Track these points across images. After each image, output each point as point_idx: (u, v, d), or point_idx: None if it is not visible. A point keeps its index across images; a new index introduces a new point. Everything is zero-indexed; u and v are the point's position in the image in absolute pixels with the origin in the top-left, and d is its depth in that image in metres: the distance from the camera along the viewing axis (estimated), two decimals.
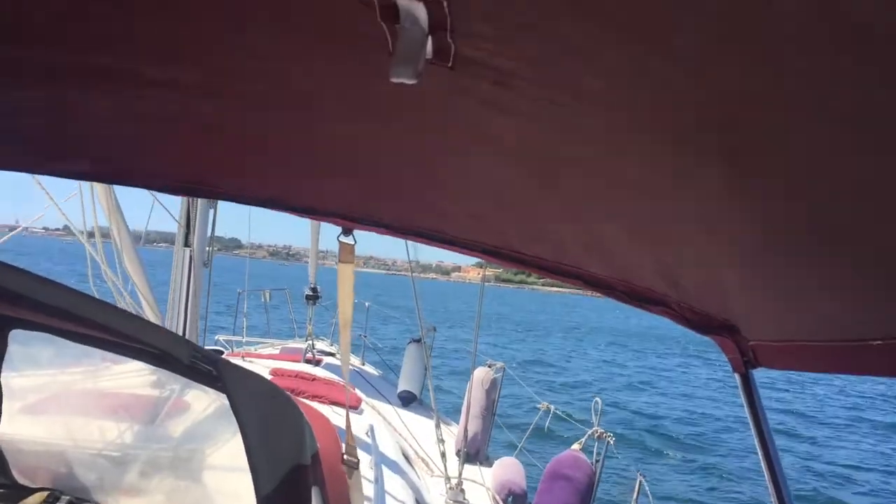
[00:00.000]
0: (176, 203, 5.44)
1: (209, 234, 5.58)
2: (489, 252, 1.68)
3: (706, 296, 1.43)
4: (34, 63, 1.04)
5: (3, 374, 2.11)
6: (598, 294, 1.63)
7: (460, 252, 1.74)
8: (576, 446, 4.99)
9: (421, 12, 0.77)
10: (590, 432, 4.94)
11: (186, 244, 5.37)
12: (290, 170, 1.42)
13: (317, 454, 1.21)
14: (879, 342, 0.99)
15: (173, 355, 1.00)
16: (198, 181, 1.67)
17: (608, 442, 4.80)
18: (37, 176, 4.07)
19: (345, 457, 2.28)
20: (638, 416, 18.07)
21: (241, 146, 1.30)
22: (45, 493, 2.21)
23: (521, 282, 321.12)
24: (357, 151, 1.15)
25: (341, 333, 2.66)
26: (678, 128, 0.83)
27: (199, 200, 5.35)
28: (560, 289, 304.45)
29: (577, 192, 1.19)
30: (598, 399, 5.18)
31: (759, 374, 1.51)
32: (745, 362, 1.49)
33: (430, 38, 0.82)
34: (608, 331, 58.06)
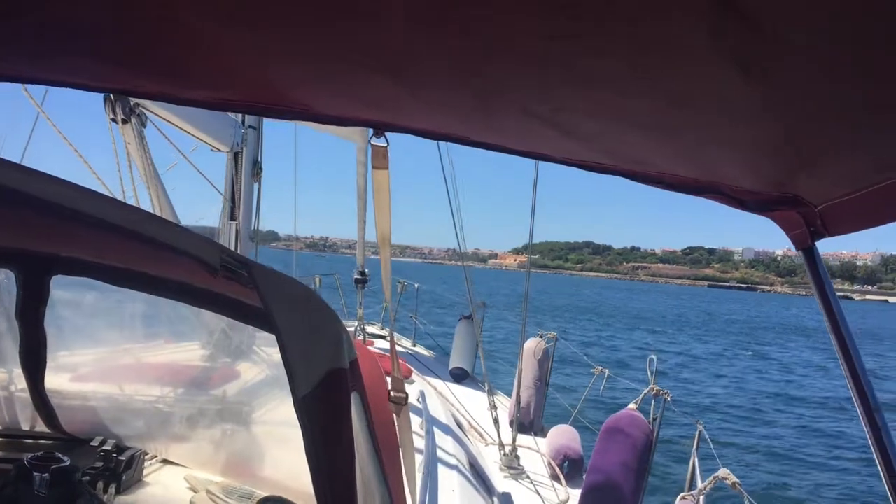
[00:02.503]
0: (220, 177, 5.45)
1: (255, 207, 5.59)
2: (524, 154, 1.62)
3: (758, 173, 1.37)
4: None
5: (47, 323, 2.13)
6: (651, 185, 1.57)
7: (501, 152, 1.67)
8: (632, 405, 4.90)
9: None
10: (646, 390, 4.85)
11: (232, 218, 5.37)
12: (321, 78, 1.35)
13: (356, 361, 1.19)
14: None
15: (204, 259, 0.96)
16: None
17: (665, 399, 4.71)
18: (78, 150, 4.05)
19: (391, 393, 2.23)
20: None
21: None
22: (93, 444, 2.23)
23: (557, 268, 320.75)
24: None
25: (381, 251, 2.56)
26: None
27: (243, 174, 5.36)
28: (598, 274, 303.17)
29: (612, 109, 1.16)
30: (652, 356, 5.09)
31: None
32: (812, 233, 1.44)
33: None
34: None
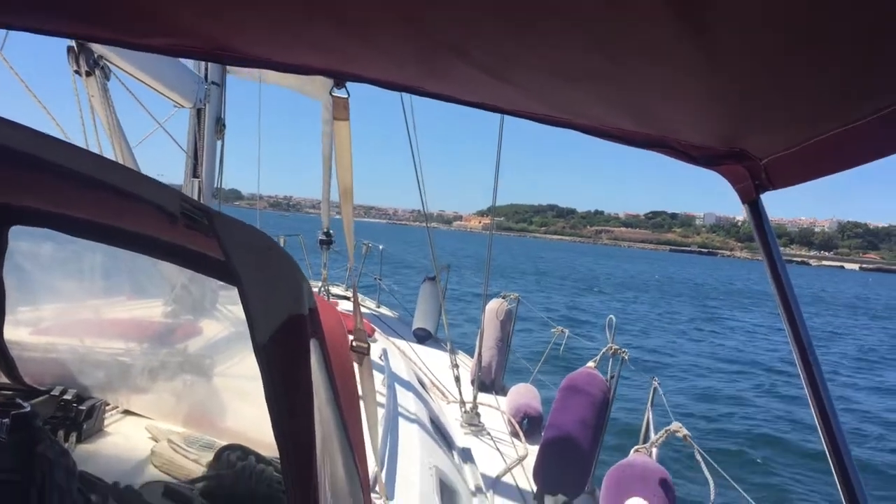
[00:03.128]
0: (182, 134, 5.40)
1: (217, 164, 5.55)
2: (478, 106, 1.65)
3: (705, 128, 1.41)
4: None
5: (4, 273, 2.13)
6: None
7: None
8: (591, 364, 5.01)
9: None
10: (604, 349, 4.95)
11: (195, 175, 5.34)
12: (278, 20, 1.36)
13: (315, 309, 1.20)
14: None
15: (164, 206, 0.97)
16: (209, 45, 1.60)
17: (623, 358, 4.83)
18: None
19: (353, 343, 2.27)
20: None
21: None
22: (54, 393, 2.24)
23: (521, 230, 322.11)
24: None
25: (343, 205, 2.55)
26: None
27: (206, 131, 5.31)
28: (561, 237, 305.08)
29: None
30: (611, 316, 5.20)
31: None
32: (757, 186, 1.48)
33: None
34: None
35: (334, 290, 9.41)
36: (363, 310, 8.72)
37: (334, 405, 1.37)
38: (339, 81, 1.94)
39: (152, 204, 0.97)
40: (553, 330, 6.75)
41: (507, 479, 4.86)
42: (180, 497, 1.85)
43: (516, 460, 5.04)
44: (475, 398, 5.84)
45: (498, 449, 5.35)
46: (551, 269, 68.00)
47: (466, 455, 4.88)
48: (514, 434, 5.74)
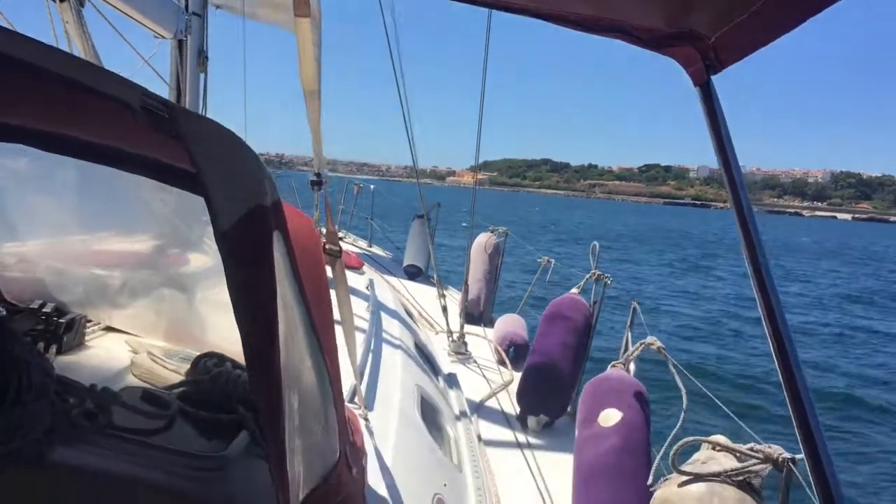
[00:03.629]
0: (164, 68, 5.37)
1: (201, 100, 5.53)
2: None
3: (654, 8, 1.47)
4: None
5: None
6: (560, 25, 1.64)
7: None
8: (574, 290, 5.10)
9: None
10: (588, 275, 5.03)
11: None
12: None
13: (279, 203, 1.21)
14: None
15: (124, 100, 0.97)
16: None
17: (606, 283, 4.91)
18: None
19: (326, 246, 2.28)
20: None
21: None
22: (32, 307, 2.27)
23: (515, 185, 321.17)
24: None
25: (308, 106, 2.49)
26: None
27: (189, 63, 5.28)
28: (555, 191, 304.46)
29: None
30: (595, 243, 5.27)
31: None
32: (707, 66, 1.53)
33: None
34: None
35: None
36: (354, 249, 8.80)
37: (300, 299, 1.38)
38: None
39: (112, 98, 0.95)
40: (539, 260, 6.82)
41: (491, 403, 4.97)
42: (158, 400, 1.88)
43: (501, 385, 5.15)
44: (462, 328, 5.94)
45: (484, 376, 5.45)
46: (543, 221, 68.38)
47: (452, 381, 4.97)
48: (501, 362, 5.85)
